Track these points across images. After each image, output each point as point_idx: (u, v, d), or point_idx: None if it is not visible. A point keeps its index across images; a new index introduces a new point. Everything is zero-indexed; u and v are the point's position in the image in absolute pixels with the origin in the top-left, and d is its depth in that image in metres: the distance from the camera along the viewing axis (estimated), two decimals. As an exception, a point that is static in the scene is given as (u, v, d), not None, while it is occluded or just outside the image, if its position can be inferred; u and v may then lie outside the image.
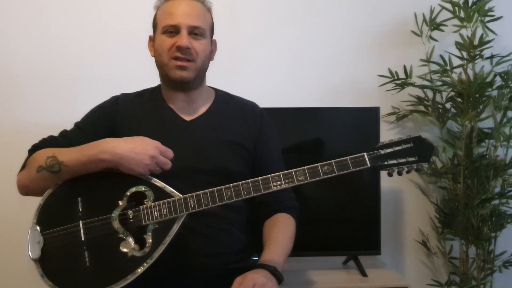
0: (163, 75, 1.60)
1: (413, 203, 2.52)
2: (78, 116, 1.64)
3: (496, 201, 2.30)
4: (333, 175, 1.34)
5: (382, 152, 1.34)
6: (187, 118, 1.61)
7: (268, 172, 1.47)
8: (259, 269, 1.42)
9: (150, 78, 1.69)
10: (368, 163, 1.33)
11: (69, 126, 1.62)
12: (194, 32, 1.53)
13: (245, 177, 1.54)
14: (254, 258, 1.64)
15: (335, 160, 1.34)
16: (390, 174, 1.35)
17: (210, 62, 1.65)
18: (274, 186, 1.36)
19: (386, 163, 1.33)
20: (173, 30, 1.53)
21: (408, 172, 1.35)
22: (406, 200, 2.51)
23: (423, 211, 2.51)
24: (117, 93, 1.69)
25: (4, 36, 2.31)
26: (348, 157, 1.34)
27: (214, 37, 1.66)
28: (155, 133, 1.52)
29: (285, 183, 1.35)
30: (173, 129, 1.59)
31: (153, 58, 1.61)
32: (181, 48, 1.50)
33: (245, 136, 1.64)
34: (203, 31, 1.56)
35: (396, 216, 2.51)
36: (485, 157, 2.33)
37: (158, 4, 1.61)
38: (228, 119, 1.65)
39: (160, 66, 1.58)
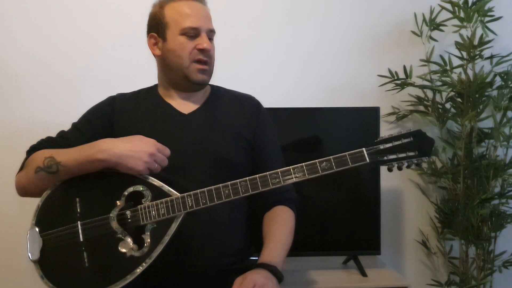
0: (180, 77, 1.59)
1: (413, 203, 2.51)
2: (80, 115, 1.65)
3: (496, 201, 2.30)
4: (331, 171, 1.33)
5: (381, 147, 1.33)
6: (185, 111, 1.62)
7: (267, 162, 1.48)
8: (259, 269, 1.42)
9: (150, 78, 1.69)
10: (367, 158, 1.32)
11: (70, 126, 1.63)
12: (209, 36, 1.58)
13: (245, 167, 1.56)
14: (254, 258, 1.63)
15: (333, 156, 1.33)
16: (390, 169, 1.34)
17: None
18: (272, 183, 1.35)
19: (385, 158, 1.33)
20: (193, 33, 1.55)
21: (408, 167, 1.34)
22: (406, 200, 2.51)
23: (423, 211, 2.51)
24: (115, 93, 1.69)
25: (6, 35, 2.32)
26: (346, 153, 1.33)
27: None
28: (153, 129, 1.54)
29: (283, 180, 1.35)
30: (171, 123, 1.59)
31: (152, 59, 1.62)
32: (205, 51, 1.54)
33: (244, 126, 1.65)
34: (213, 35, 1.61)
35: (396, 216, 2.51)
36: (485, 157, 2.34)
37: (161, 2, 1.60)
38: (225, 110, 1.66)
39: (177, 67, 1.57)
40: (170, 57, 1.58)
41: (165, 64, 1.61)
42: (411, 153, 1.32)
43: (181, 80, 1.59)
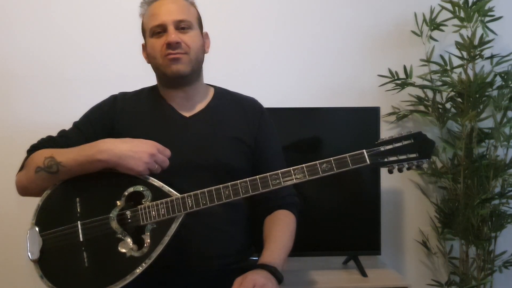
0: (161, 76, 1.60)
1: (413, 203, 2.51)
2: (80, 115, 1.64)
3: (496, 201, 2.29)
4: (332, 172, 1.33)
5: (382, 149, 1.33)
6: (186, 114, 1.61)
7: (268, 167, 1.47)
8: (259, 269, 1.41)
9: (150, 78, 1.69)
10: (367, 160, 1.32)
11: (70, 125, 1.62)
12: (181, 26, 1.53)
13: (246, 172, 1.55)
14: (254, 258, 1.63)
15: (334, 157, 1.33)
16: (390, 171, 1.34)
17: (207, 56, 1.65)
18: (272, 184, 1.35)
19: (386, 160, 1.33)
20: (161, 30, 1.53)
21: (408, 168, 1.34)
22: (406, 200, 2.51)
23: (423, 211, 2.51)
24: (117, 92, 1.69)
25: (6, 35, 2.32)
26: (347, 155, 1.33)
27: (212, 35, 1.67)
28: (154, 130, 1.54)
29: (283, 182, 1.35)
30: (172, 125, 1.59)
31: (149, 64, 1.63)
32: (171, 44, 1.50)
33: (245, 131, 1.64)
34: (189, 24, 1.56)
35: (396, 216, 2.51)
36: (485, 157, 2.33)
37: (142, 12, 1.62)
38: (227, 114, 1.65)
39: (156, 68, 1.58)
40: (150, 61, 1.60)
41: (153, 68, 1.62)
42: (412, 155, 1.33)
43: (164, 78, 1.59)
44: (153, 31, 1.54)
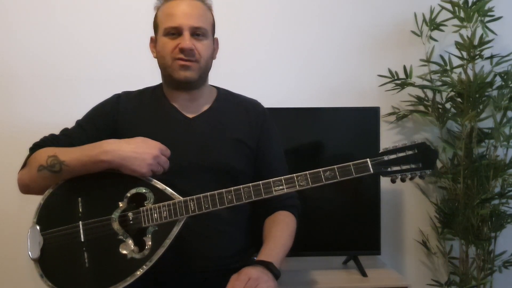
0: (167, 76, 1.59)
1: (413, 203, 2.52)
2: (81, 115, 1.64)
3: (496, 201, 2.29)
4: (335, 180, 1.34)
5: (385, 158, 1.34)
6: (190, 115, 1.61)
7: (270, 170, 1.47)
8: (255, 265, 1.42)
9: (153, 77, 1.69)
10: (371, 169, 1.33)
11: (71, 125, 1.62)
12: (196, 33, 1.53)
13: (247, 174, 1.55)
14: (254, 258, 1.63)
15: (337, 165, 1.34)
16: (393, 181, 1.35)
17: (213, 60, 1.65)
18: (275, 190, 1.36)
19: (389, 169, 1.34)
20: (175, 32, 1.52)
21: (411, 179, 1.35)
22: (406, 200, 2.51)
23: (423, 211, 2.51)
24: (120, 92, 1.69)
25: (7, 35, 2.31)
26: (351, 163, 1.34)
27: (216, 36, 1.66)
28: (157, 130, 1.54)
29: (286, 188, 1.36)
30: (175, 126, 1.59)
31: (155, 59, 1.62)
32: (184, 50, 1.50)
33: (248, 134, 1.64)
34: (205, 31, 1.55)
35: (396, 216, 2.51)
36: (485, 157, 2.33)
37: (158, 5, 1.60)
38: (230, 116, 1.65)
39: (164, 68, 1.58)
40: (158, 58, 1.59)
41: (159, 66, 1.61)
42: (415, 165, 1.34)
43: (170, 79, 1.58)
44: (167, 31, 1.53)
